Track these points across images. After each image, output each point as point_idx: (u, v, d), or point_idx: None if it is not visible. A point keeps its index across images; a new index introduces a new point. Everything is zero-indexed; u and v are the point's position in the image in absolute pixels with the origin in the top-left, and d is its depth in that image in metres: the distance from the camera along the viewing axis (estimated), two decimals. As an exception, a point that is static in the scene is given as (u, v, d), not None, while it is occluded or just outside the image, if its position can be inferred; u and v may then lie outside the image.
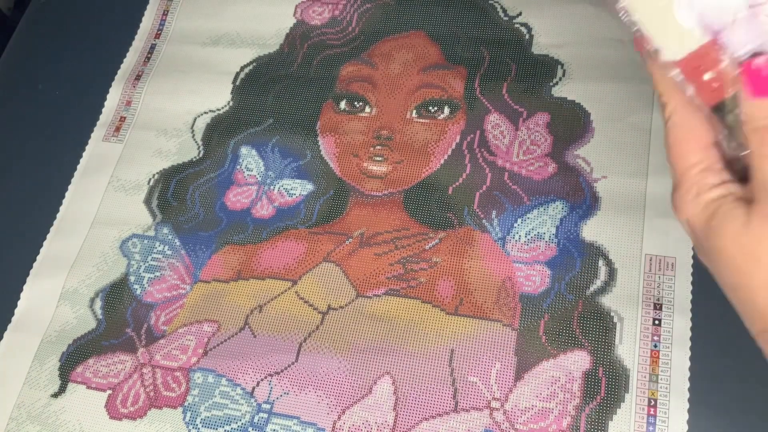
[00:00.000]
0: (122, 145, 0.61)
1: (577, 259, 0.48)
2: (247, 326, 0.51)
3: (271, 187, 0.56)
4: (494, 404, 0.45)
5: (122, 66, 0.65)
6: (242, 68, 0.62)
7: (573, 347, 0.46)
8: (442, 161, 0.54)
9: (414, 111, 0.56)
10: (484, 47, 0.58)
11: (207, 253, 0.55)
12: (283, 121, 0.59)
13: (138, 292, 0.54)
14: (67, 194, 0.60)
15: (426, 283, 0.50)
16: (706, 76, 0.31)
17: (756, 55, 0.30)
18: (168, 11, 0.67)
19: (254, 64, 0.62)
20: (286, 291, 0.52)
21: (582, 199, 0.50)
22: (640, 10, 0.33)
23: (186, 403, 0.49)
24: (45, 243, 0.58)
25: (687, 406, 0.43)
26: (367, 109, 0.57)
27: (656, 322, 0.46)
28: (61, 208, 0.59)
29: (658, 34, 0.33)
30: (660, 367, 0.44)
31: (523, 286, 0.48)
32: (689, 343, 0.45)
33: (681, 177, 0.32)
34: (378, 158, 0.55)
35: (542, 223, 0.50)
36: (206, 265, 0.54)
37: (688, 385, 0.44)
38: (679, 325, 0.45)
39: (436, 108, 0.56)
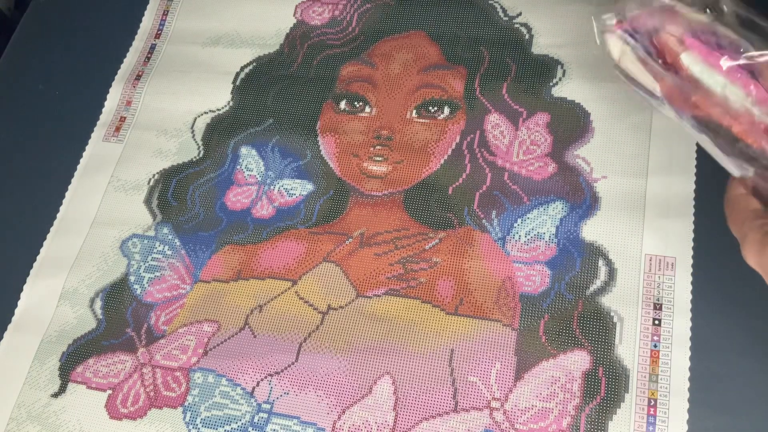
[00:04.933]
0: (122, 145, 0.61)
1: (576, 259, 0.48)
2: (247, 326, 0.51)
3: (271, 187, 0.56)
4: (494, 404, 0.45)
5: (122, 66, 0.65)
6: (242, 68, 0.62)
7: (573, 347, 0.46)
8: (442, 161, 0.54)
9: (414, 111, 0.56)
10: (483, 47, 0.58)
11: (207, 253, 0.55)
12: (283, 121, 0.59)
13: (138, 292, 0.54)
14: (67, 194, 0.60)
15: (426, 283, 0.50)
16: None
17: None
18: (168, 11, 0.67)
19: (254, 64, 0.62)
20: (286, 291, 0.52)
21: (582, 199, 0.50)
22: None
23: (186, 403, 0.49)
24: (45, 243, 0.58)
25: (687, 406, 0.43)
26: (367, 109, 0.57)
27: (656, 322, 0.46)
28: (61, 208, 0.59)
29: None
30: (660, 367, 0.44)
31: (523, 286, 0.48)
32: (689, 343, 0.45)
33: (741, 236, 0.38)
34: (378, 158, 0.55)
35: (542, 223, 0.50)
36: (206, 265, 0.54)
37: (687, 385, 0.44)
38: (679, 325, 0.45)
39: (436, 108, 0.56)
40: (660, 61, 0.40)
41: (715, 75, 0.38)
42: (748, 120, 0.38)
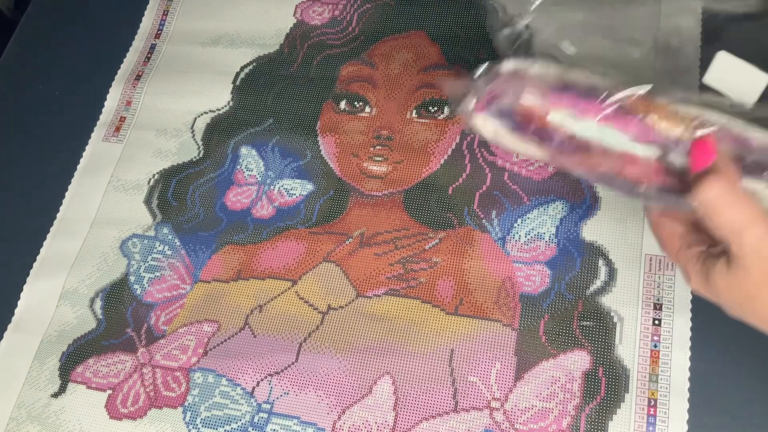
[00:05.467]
0: (122, 145, 0.61)
1: (577, 259, 0.48)
2: (247, 326, 0.51)
3: (271, 187, 0.56)
4: (494, 404, 0.45)
5: (122, 66, 0.65)
6: (242, 68, 0.62)
7: (573, 347, 0.46)
8: (442, 161, 0.54)
9: (414, 111, 0.56)
10: (484, 47, 0.58)
11: (207, 253, 0.55)
12: (283, 121, 0.59)
13: (138, 292, 0.54)
14: (67, 194, 0.60)
15: (426, 283, 0.50)
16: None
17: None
18: (168, 11, 0.67)
19: (254, 64, 0.62)
20: (286, 291, 0.52)
21: (582, 199, 0.50)
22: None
23: (186, 403, 0.49)
24: (45, 243, 0.58)
25: (687, 406, 0.43)
26: (367, 109, 0.57)
27: (656, 322, 0.46)
28: (61, 209, 0.59)
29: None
30: (660, 367, 0.44)
31: (523, 286, 0.48)
32: (689, 343, 0.45)
33: (680, 266, 0.37)
34: (378, 158, 0.55)
35: (542, 223, 0.50)
36: (206, 265, 0.54)
37: (688, 385, 0.44)
38: (679, 325, 0.45)
39: (436, 108, 0.56)
40: (532, 128, 0.39)
41: (588, 125, 0.37)
42: (637, 161, 0.36)
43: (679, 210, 0.37)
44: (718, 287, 0.34)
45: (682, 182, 0.36)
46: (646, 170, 0.36)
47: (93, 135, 0.62)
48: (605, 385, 0.45)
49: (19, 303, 0.56)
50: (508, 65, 0.40)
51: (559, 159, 0.38)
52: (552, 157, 0.38)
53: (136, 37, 0.66)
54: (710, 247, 0.36)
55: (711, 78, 0.38)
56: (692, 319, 0.45)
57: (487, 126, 0.40)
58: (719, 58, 0.38)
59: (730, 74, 0.38)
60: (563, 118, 0.37)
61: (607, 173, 0.37)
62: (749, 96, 0.38)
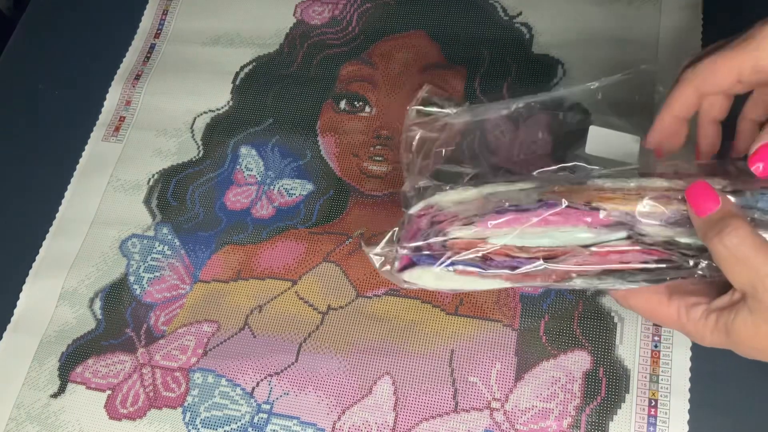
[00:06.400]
0: (122, 145, 0.61)
1: (577, 259, 0.48)
2: (247, 326, 0.51)
3: (271, 187, 0.56)
4: (494, 404, 0.45)
5: (122, 66, 0.65)
6: (242, 68, 0.62)
7: (573, 347, 0.46)
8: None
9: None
10: (484, 47, 0.58)
11: (207, 253, 0.55)
12: (282, 121, 0.59)
13: (137, 292, 0.54)
14: (66, 194, 0.60)
15: (426, 283, 0.50)
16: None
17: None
18: (168, 11, 0.67)
19: (254, 63, 0.62)
20: (286, 291, 0.52)
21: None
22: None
23: (186, 404, 0.49)
24: (44, 243, 0.58)
25: (687, 406, 0.43)
26: (367, 109, 0.57)
27: (657, 322, 0.45)
28: (61, 208, 0.59)
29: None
30: (660, 368, 0.44)
31: (524, 286, 0.48)
32: (690, 343, 0.45)
33: (680, 329, 0.36)
34: (378, 158, 0.55)
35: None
36: (206, 265, 0.54)
37: (688, 385, 0.44)
38: (680, 325, 0.45)
39: (436, 108, 0.56)
40: (479, 257, 0.35)
41: (537, 234, 0.35)
42: (612, 250, 0.34)
43: (666, 282, 0.35)
44: (743, 336, 0.33)
45: (661, 251, 0.34)
46: (630, 257, 0.34)
47: (92, 135, 0.62)
48: (606, 386, 0.44)
49: (18, 303, 0.56)
50: (417, 206, 0.37)
51: (524, 280, 0.36)
52: (515, 280, 0.36)
53: (135, 36, 0.66)
54: (710, 302, 0.35)
55: (590, 149, 0.41)
56: (693, 319, 0.45)
57: (426, 277, 0.36)
58: (591, 132, 0.41)
59: (606, 143, 0.40)
60: (508, 239, 0.35)
61: (590, 272, 0.35)
62: (630, 157, 0.40)
